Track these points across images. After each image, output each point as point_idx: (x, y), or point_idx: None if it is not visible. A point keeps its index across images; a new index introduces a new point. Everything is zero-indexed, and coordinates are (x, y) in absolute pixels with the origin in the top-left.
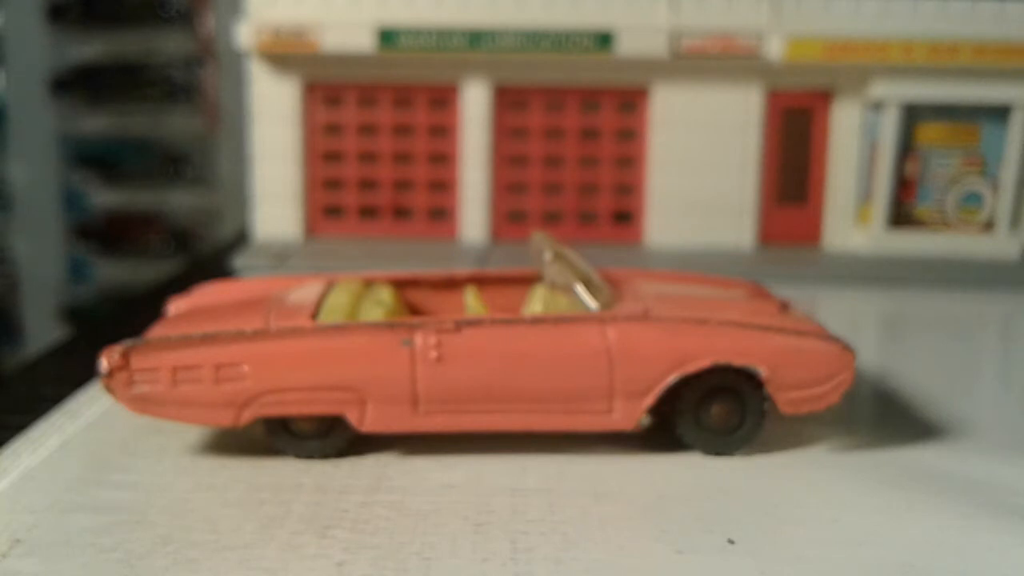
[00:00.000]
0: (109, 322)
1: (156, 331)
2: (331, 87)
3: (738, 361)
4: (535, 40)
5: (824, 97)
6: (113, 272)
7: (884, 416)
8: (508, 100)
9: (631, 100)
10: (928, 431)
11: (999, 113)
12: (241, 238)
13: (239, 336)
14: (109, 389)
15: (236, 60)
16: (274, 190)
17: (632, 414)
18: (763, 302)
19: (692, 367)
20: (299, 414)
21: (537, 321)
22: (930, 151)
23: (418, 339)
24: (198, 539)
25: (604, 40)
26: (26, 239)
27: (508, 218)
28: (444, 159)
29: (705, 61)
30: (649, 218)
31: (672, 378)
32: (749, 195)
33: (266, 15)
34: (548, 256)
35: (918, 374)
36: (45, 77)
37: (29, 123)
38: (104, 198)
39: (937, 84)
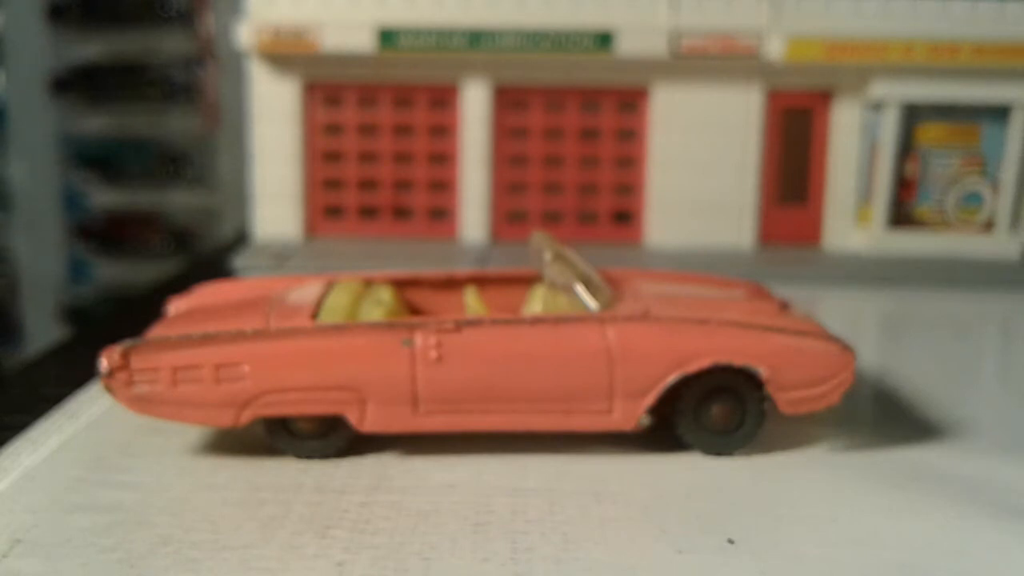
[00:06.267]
0: (109, 322)
1: (156, 331)
2: (331, 87)
3: (738, 361)
4: (535, 40)
5: (824, 97)
6: (113, 272)
7: (884, 416)
8: (508, 100)
9: (631, 100)
10: (928, 431)
11: (999, 113)
12: (241, 238)
13: (239, 336)
14: (109, 389)
15: (236, 60)
16: (274, 190)
17: (632, 414)
18: (763, 302)
19: (692, 367)
20: (299, 414)
21: (537, 321)
22: (930, 151)
23: (418, 339)
24: (198, 539)
25: (604, 40)
26: (26, 239)
27: (508, 218)
28: (444, 159)
29: (705, 61)
30: (649, 218)
31: (672, 378)
32: (749, 195)
33: (266, 15)
34: (548, 256)
35: (918, 374)
36: (45, 77)
37: (29, 123)
38: (104, 198)
39: (937, 84)
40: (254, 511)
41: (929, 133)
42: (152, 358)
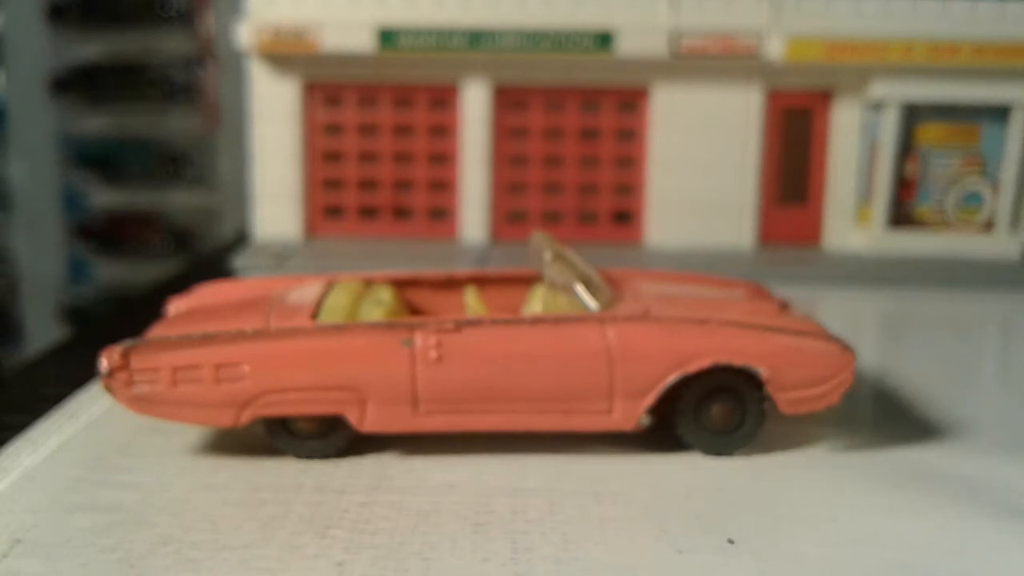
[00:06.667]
0: (109, 322)
1: (156, 331)
2: (331, 87)
3: (738, 361)
4: (535, 40)
5: (824, 97)
6: (113, 272)
7: (884, 416)
8: (508, 100)
9: (631, 100)
10: (928, 431)
11: (999, 113)
12: (241, 238)
13: (239, 336)
14: (109, 389)
15: (236, 60)
16: (274, 190)
17: (632, 414)
18: (763, 302)
19: (692, 367)
20: (299, 414)
21: (537, 321)
22: (930, 151)
23: (418, 339)
24: (198, 539)
25: (604, 40)
26: (26, 239)
27: (508, 218)
28: (444, 159)
29: (705, 61)
30: (649, 218)
31: (672, 378)
32: (749, 195)
33: (266, 15)
34: (548, 256)
35: (918, 374)
36: (45, 77)
37: (29, 123)
38: (104, 198)
39: (937, 84)
40: (254, 511)
41: (929, 133)
42: (152, 358)
